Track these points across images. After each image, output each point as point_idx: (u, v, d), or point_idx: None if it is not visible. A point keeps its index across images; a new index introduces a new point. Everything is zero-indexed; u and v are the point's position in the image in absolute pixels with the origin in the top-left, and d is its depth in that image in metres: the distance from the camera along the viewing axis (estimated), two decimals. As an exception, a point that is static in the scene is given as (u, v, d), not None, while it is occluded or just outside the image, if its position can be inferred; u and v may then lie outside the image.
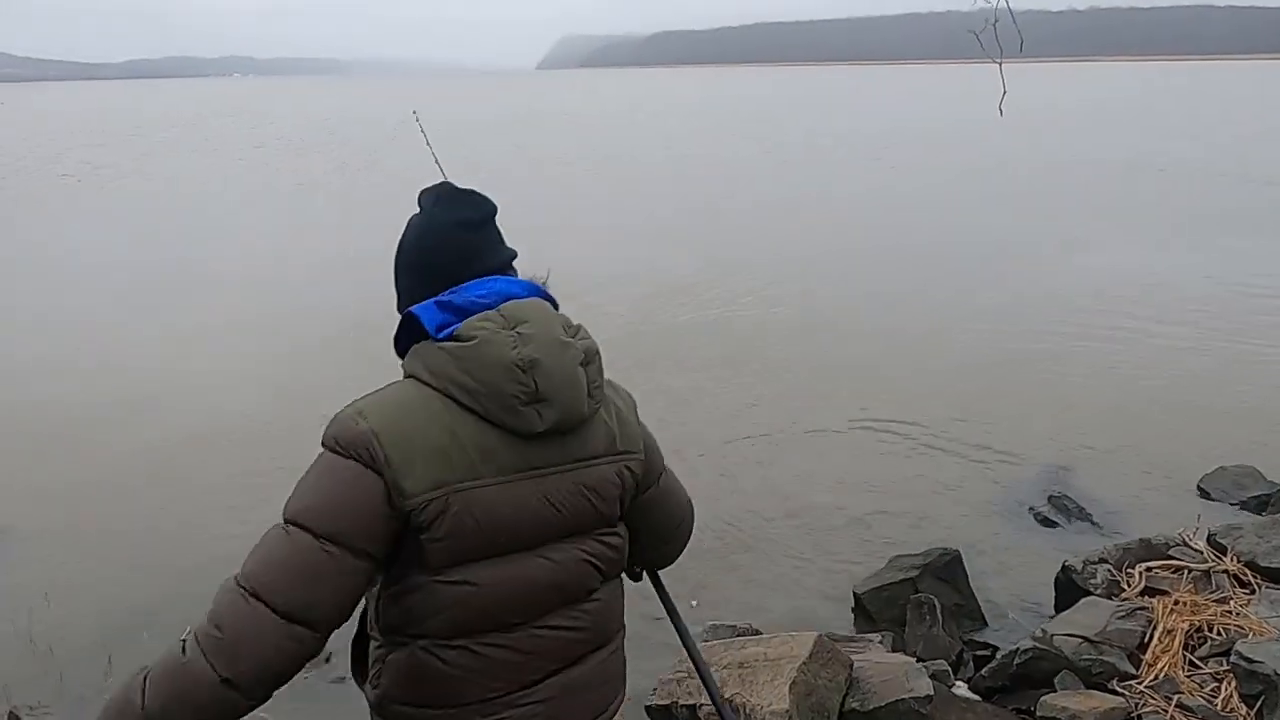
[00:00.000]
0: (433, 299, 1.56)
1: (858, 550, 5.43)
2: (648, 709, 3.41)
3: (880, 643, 4.05)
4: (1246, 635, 3.61)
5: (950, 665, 3.99)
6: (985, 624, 4.59)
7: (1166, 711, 3.31)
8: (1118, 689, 3.49)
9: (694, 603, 4.87)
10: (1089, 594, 4.20)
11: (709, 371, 8.71)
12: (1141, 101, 55.28)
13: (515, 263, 1.68)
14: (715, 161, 27.21)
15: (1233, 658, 3.45)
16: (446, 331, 1.51)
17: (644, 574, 1.97)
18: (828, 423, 7.40)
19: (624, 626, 1.77)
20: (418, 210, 1.67)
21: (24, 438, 7.30)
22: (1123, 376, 8.32)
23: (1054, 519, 5.71)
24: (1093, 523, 5.66)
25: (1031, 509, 5.85)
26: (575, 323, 1.61)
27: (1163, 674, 3.53)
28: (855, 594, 4.68)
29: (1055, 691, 3.54)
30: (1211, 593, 4.03)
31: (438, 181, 1.70)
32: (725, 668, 3.38)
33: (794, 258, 13.71)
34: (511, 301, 1.55)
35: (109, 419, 7.65)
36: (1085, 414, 7.40)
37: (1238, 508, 5.65)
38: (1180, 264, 12.68)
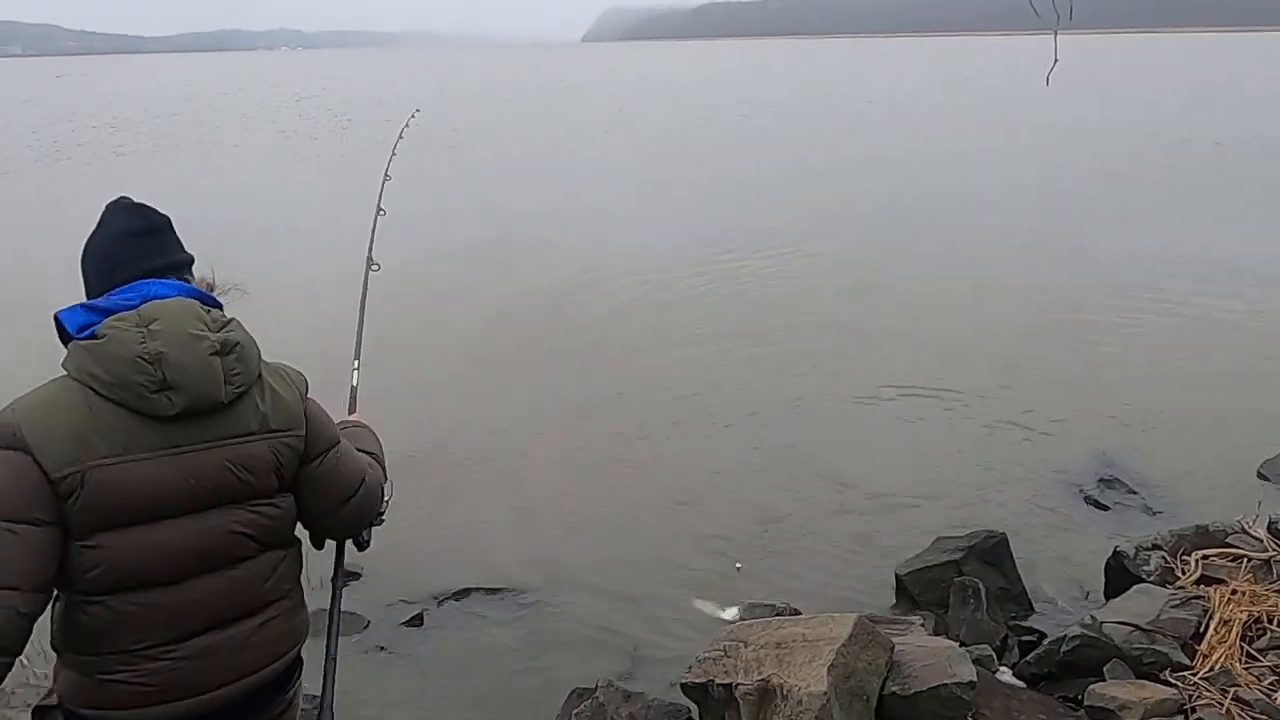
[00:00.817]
0: (81, 303, 1.79)
1: (899, 529, 5.33)
2: (683, 686, 3.36)
3: (922, 625, 3.96)
4: (1309, 628, 3.47)
5: (994, 650, 3.89)
6: (1031, 609, 4.47)
7: (1222, 704, 3.19)
8: (1170, 680, 3.37)
9: (738, 565, 4.83)
10: (1141, 581, 4.06)
11: (742, 340, 8.62)
12: (1193, 74, 53.39)
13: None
14: (740, 136, 26.87)
15: (1293, 651, 3.32)
16: (88, 331, 1.73)
17: (367, 541, 2.22)
18: (870, 392, 7.29)
19: (287, 596, 1.94)
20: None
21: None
22: (1181, 353, 8.06)
23: (1105, 502, 5.55)
24: (1146, 507, 5.49)
25: (1082, 490, 5.70)
26: (225, 318, 1.84)
27: (1218, 666, 3.40)
28: (897, 575, 4.59)
29: (1104, 681, 3.43)
30: (1272, 583, 3.86)
31: (118, 195, 1.95)
32: (762, 647, 3.32)
33: (824, 229, 13.49)
34: (151, 302, 1.77)
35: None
36: (1140, 391, 7.17)
37: (1301, 494, 5.45)
38: (1242, 237, 12.22)
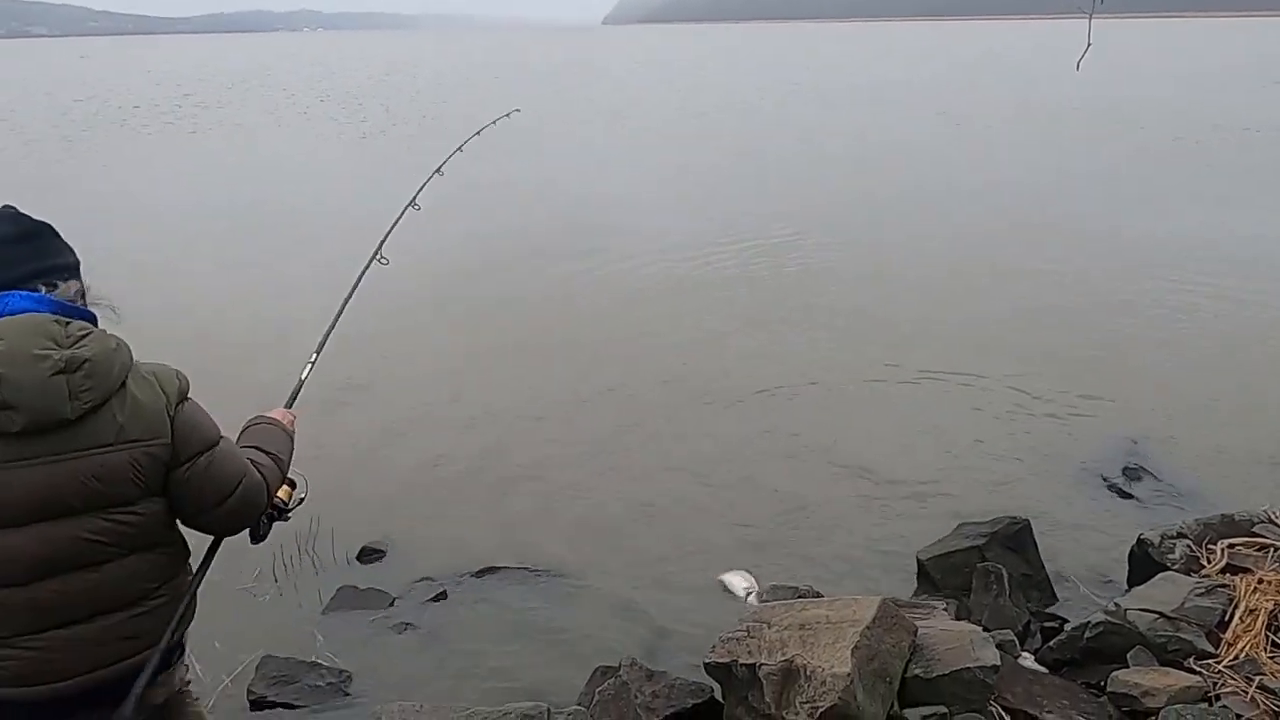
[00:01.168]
0: None
1: (921, 514, 5.33)
2: (707, 666, 3.38)
3: (944, 610, 3.96)
4: (1336, 618, 3.45)
5: (1016, 636, 3.89)
6: (1054, 596, 4.47)
7: (1247, 693, 3.19)
8: (1195, 667, 3.38)
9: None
10: (1166, 569, 4.05)
11: (762, 324, 8.61)
12: (1223, 59, 52.46)
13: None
14: (758, 120, 26.70)
15: (1320, 641, 3.31)
16: None
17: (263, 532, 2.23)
18: (892, 377, 7.28)
19: (154, 594, 2.00)
20: None
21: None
22: (1207, 339, 8.00)
23: (1129, 490, 5.53)
24: (1171, 495, 5.46)
25: (1106, 478, 5.67)
26: (83, 332, 1.86)
27: (1244, 654, 3.40)
28: (919, 560, 4.58)
29: (1128, 667, 3.43)
30: (1299, 572, 3.85)
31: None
32: (786, 628, 3.33)
33: (844, 213, 13.42)
34: (1, 319, 1.82)
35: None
36: (1166, 378, 7.13)
37: (1329, 484, 5.39)
38: (1268, 223, 12.05)
